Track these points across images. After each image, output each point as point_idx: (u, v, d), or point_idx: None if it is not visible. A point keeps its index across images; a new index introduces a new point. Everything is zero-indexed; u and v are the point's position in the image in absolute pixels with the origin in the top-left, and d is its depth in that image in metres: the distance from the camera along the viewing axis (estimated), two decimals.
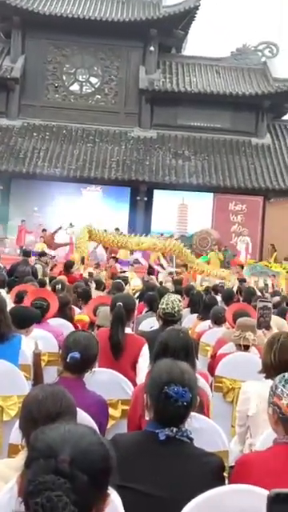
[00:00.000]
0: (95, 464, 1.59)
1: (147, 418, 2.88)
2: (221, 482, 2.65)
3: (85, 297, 9.74)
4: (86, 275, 16.38)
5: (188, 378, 2.78)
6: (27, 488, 1.54)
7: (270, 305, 5.86)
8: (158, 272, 22.21)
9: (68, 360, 3.85)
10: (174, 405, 2.69)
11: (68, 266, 15.05)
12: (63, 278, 12.79)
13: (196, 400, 2.80)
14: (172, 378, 2.75)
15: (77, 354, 3.83)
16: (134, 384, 4.80)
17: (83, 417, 3.18)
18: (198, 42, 44.62)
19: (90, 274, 17.07)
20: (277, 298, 11.73)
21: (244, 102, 31.37)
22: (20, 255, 19.65)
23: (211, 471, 2.65)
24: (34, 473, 1.55)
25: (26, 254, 16.44)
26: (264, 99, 31.51)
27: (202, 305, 9.38)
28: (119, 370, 4.95)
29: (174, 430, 2.68)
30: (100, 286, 12.15)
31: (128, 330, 5.46)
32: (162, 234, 26.43)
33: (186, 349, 3.76)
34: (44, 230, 26.86)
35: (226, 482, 2.85)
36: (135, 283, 17.11)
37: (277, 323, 6.83)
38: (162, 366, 2.87)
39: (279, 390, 2.78)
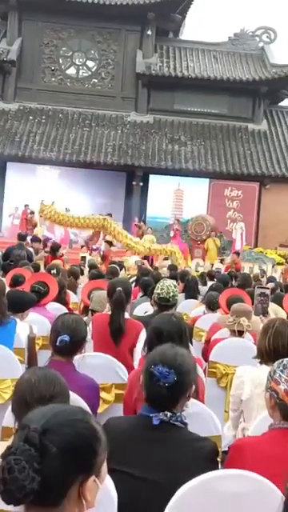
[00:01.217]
0: (69, 439, 1.60)
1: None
2: (214, 467, 2.66)
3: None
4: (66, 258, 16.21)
5: (181, 361, 2.78)
6: None
7: (268, 291, 5.87)
8: (153, 257, 22.20)
9: (57, 343, 3.85)
10: (155, 384, 2.72)
11: (54, 249, 14.90)
12: (59, 262, 12.77)
13: (190, 387, 2.80)
14: (162, 359, 2.78)
15: (66, 337, 3.83)
16: (132, 369, 4.80)
17: (76, 399, 3.18)
18: (196, 26, 44.48)
19: (83, 258, 17.02)
20: (272, 285, 11.74)
21: (241, 87, 31.24)
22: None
23: (205, 456, 2.66)
24: (12, 442, 1.60)
25: (22, 237, 16.35)
26: (261, 85, 31.37)
27: (207, 291, 9.43)
28: (118, 354, 4.96)
29: (168, 414, 2.69)
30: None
31: (125, 315, 5.46)
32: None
33: (179, 333, 3.76)
34: (32, 213, 26.63)
35: (220, 466, 2.86)
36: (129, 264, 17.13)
37: (274, 310, 6.84)
38: (160, 348, 2.91)
39: (277, 375, 2.79)
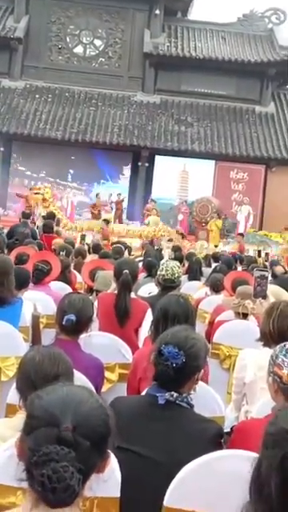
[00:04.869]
0: (97, 429, 1.59)
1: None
2: (218, 449, 2.67)
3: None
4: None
5: (191, 344, 2.79)
6: (30, 458, 1.53)
7: (267, 274, 5.84)
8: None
9: (64, 322, 3.86)
10: (163, 364, 2.73)
11: (49, 226, 14.67)
12: (64, 243, 12.69)
13: (198, 371, 2.81)
14: (173, 339, 2.79)
15: (72, 317, 3.84)
16: (137, 349, 4.81)
17: (80, 378, 3.19)
18: (205, 6, 43.96)
19: (83, 237, 16.94)
20: (280, 269, 11.72)
21: (249, 69, 31.02)
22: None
23: (209, 438, 2.67)
24: (36, 442, 1.54)
25: (26, 215, 16.29)
26: (269, 67, 31.15)
27: (211, 272, 9.42)
28: (124, 334, 4.97)
29: (175, 394, 2.70)
30: (97, 250, 12.06)
31: (131, 295, 5.46)
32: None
33: (185, 314, 3.77)
34: (31, 189, 26.52)
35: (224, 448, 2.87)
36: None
37: (275, 293, 6.82)
38: (174, 328, 2.95)
39: (280, 359, 2.78)
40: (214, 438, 2.69)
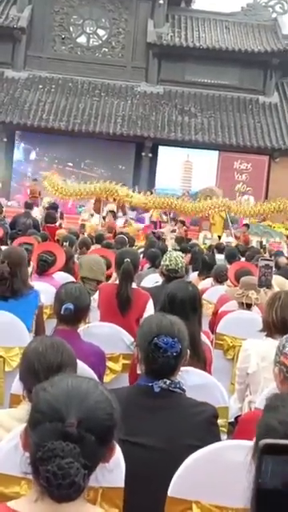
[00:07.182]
0: (102, 422, 1.58)
1: (139, 372, 2.88)
2: (215, 429, 2.71)
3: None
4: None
5: (178, 329, 2.78)
6: (35, 453, 1.53)
7: (271, 263, 5.84)
8: (160, 229, 22.18)
9: (62, 312, 3.87)
10: (163, 355, 2.70)
11: (53, 217, 14.61)
12: (63, 232, 12.68)
13: (186, 352, 2.80)
14: (161, 329, 2.75)
15: (70, 306, 3.85)
16: None
17: (83, 368, 3.19)
18: None
19: (83, 226, 16.88)
20: (283, 259, 11.69)
21: (253, 59, 30.92)
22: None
23: (206, 419, 2.69)
24: (41, 437, 1.54)
25: (28, 206, 16.28)
26: (273, 56, 31.03)
27: (201, 263, 9.38)
28: (125, 325, 4.97)
29: (168, 382, 2.69)
30: (100, 240, 12.06)
31: (133, 285, 5.46)
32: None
33: (193, 301, 3.77)
34: (34, 180, 26.44)
35: (226, 437, 2.87)
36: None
37: (280, 283, 6.82)
38: (152, 318, 2.91)
39: (287, 349, 2.77)
40: (211, 418, 2.71)
